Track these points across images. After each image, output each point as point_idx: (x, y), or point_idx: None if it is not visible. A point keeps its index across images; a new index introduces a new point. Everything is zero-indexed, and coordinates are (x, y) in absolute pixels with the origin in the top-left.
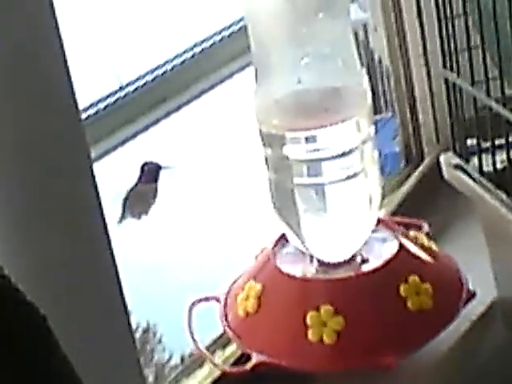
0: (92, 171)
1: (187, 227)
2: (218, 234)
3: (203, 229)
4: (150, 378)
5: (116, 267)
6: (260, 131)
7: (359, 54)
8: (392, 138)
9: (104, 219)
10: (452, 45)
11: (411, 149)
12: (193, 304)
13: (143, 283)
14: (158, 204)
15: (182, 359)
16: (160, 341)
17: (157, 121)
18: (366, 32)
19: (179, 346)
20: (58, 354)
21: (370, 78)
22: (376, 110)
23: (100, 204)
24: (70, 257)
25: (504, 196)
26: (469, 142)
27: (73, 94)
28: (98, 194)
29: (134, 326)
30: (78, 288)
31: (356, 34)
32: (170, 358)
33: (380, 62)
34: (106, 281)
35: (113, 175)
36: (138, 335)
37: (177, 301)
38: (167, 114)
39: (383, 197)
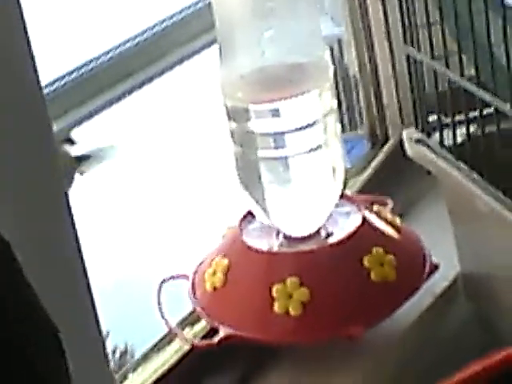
0: (55, 150)
1: (151, 207)
2: (186, 214)
3: (168, 208)
4: None
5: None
6: (225, 106)
7: (334, 70)
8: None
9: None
10: (412, 20)
11: (376, 132)
12: (162, 282)
13: (120, 302)
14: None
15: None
16: None
17: (120, 97)
18: (340, 47)
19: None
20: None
21: (345, 93)
22: (351, 126)
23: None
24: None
25: (464, 167)
26: (430, 118)
27: (35, 69)
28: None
29: (111, 348)
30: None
31: (331, 49)
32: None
33: (354, 77)
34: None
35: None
36: (115, 358)
37: (155, 320)
38: (130, 91)
39: (349, 179)
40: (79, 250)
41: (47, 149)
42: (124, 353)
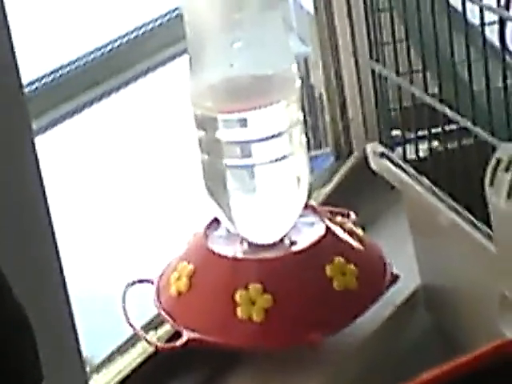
0: (35, 149)
1: (124, 214)
2: (153, 220)
3: (134, 214)
4: None
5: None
6: (194, 115)
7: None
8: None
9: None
10: (378, 37)
11: (340, 146)
12: (127, 286)
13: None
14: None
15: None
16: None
17: (88, 104)
18: (306, 67)
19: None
20: None
21: (310, 113)
22: (315, 144)
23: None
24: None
25: (426, 181)
26: (394, 133)
27: (17, 70)
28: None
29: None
30: None
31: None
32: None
33: (320, 97)
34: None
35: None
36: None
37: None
38: (100, 98)
39: (312, 191)
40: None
41: None
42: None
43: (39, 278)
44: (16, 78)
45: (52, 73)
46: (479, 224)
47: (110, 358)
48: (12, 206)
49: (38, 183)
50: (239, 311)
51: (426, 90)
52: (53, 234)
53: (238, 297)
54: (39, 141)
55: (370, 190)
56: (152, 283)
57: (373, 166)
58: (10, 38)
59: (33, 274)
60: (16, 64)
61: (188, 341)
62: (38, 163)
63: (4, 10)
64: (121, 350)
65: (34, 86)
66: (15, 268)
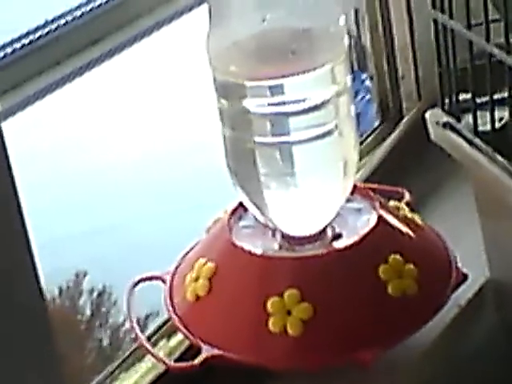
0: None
1: (140, 187)
2: (172, 196)
3: (156, 191)
4: (105, 341)
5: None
6: (214, 79)
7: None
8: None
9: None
10: None
11: (388, 104)
12: (133, 285)
13: (98, 245)
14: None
15: (138, 322)
16: (115, 304)
17: (96, 62)
18: (356, 20)
19: (135, 308)
20: None
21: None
22: None
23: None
24: None
25: (503, 161)
26: (460, 97)
27: None
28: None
29: (88, 288)
30: None
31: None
32: (125, 321)
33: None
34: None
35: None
36: (93, 298)
37: (133, 262)
38: (102, 57)
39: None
40: None
41: None
42: (102, 292)
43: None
44: None
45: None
46: None
47: (112, 376)
48: None
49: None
50: (271, 323)
51: (508, 43)
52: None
53: (269, 305)
54: None
55: (424, 160)
56: (163, 281)
57: (434, 138)
58: None
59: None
60: None
61: (208, 358)
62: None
63: None
64: (125, 364)
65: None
66: None
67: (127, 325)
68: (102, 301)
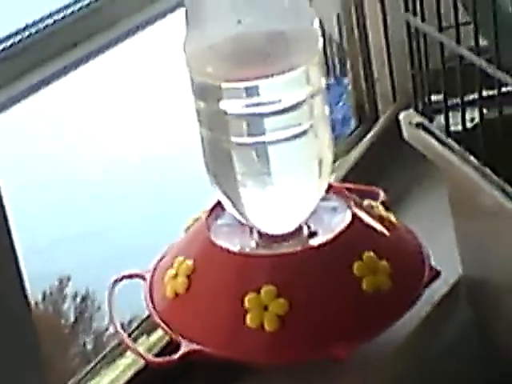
0: None
1: (124, 192)
2: (157, 201)
3: (137, 194)
4: (89, 346)
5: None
6: (192, 81)
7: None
8: (335, 104)
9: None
10: None
11: (364, 107)
12: (114, 282)
13: (82, 250)
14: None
15: (122, 326)
16: (99, 308)
17: (72, 66)
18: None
19: (118, 313)
20: None
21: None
22: None
23: None
24: None
25: (474, 160)
26: (432, 98)
27: None
28: None
29: (72, 293)
30: None
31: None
32: (109, 325)
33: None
34: None
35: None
36: (76, 303)
37: (116, 267)
38: (82, 59)
39: (333, 161)
40: None
41: None
42: (86, 297)
43: None
44: None
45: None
46: None
47: (92, 371)
48: None
49: None
50: (248, 319)
51: (477, 46)
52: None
53: (247, 301)
54: None
55: (399, 160)
56: (144, 279)
57: (407, 138)
58: None
59: None
60: None
61: (186, 353)
62: None
63: None
64: (106, 360)
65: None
66: None
67: (111, 329)
68: (86, 306)
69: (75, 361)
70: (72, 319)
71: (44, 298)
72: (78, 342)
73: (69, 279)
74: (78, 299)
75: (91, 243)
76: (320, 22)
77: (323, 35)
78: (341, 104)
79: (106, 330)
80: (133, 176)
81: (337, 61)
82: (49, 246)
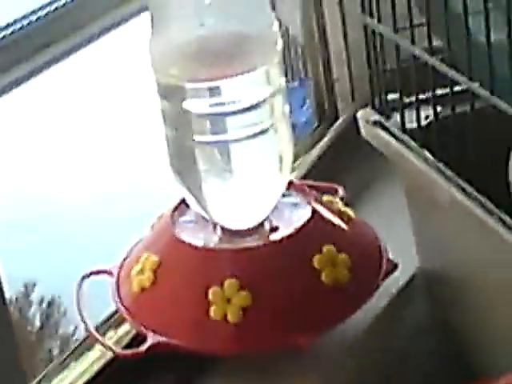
0: None
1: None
2: (122, 203)
3: (104, 194)
4: (55, 351)
5: None
6: (157, 82)
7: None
8: (299, 107)
9: None
10: None
11: (324, 106)
12: (82, 278)
13: (47, 256)
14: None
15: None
16: (65, 313)
17: (37, 70)
18: None
19: (87, 312)
20: None
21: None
22: None
23: None
24: None
25: (429, 156)
26: (389, 96)
27: None
28: None
29: (38, 299)
30: None
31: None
32: (75, 330)
33: (286, 28)
34: None
35: None
36: (42, 308)
37: (82, 272)
38: (49, 63)
39: (294, 160)
40: None
41: None
42: (52, 302)
43: None
44: None
45: None
46: (491, 207)
47: (62, 364)
48: None
49: None
50: (212, 311)
51: (430, 47)
52: None
53: (210, 294)
54: None
55: (357, 158)
56: (111, 274)
57: (365, 135)
58: None
59: None
60: None
61: (153, 345)
62: None
63: None
64: (75, 353)
65: None
66: None
67: (77, 335)
68: (52, 311)
69: (42, 366)
70: (38, 325)
71: (10, 304)
72: (44, 348)
73: (34, 285)
74: (44, 305)
75: (57, 249)
76: (285, 25)
77: (288, 38)
78: (305, 108)
79: (73, 335)
80: (98, 178)
81: (301, 64)
82: (13, 252)
